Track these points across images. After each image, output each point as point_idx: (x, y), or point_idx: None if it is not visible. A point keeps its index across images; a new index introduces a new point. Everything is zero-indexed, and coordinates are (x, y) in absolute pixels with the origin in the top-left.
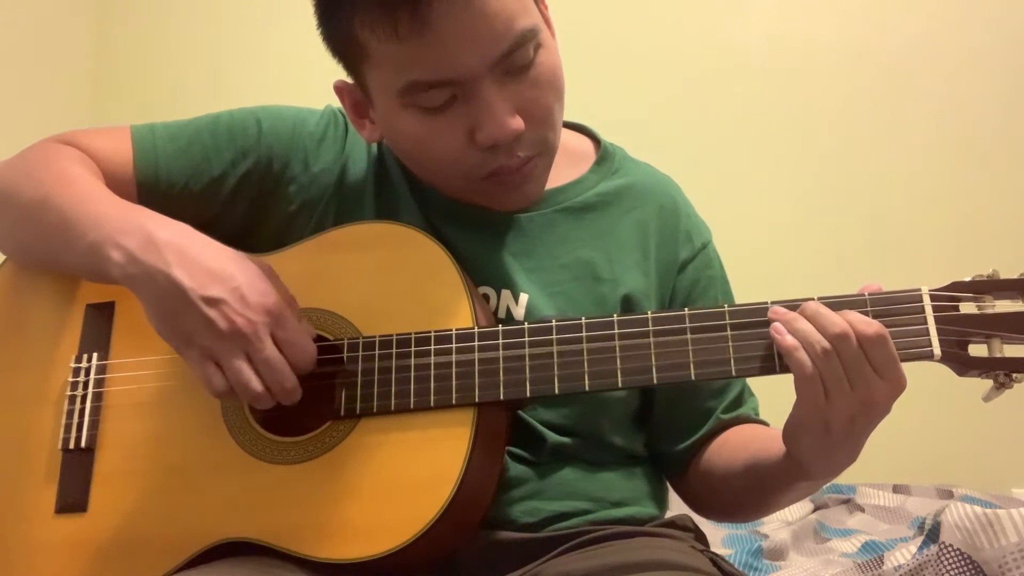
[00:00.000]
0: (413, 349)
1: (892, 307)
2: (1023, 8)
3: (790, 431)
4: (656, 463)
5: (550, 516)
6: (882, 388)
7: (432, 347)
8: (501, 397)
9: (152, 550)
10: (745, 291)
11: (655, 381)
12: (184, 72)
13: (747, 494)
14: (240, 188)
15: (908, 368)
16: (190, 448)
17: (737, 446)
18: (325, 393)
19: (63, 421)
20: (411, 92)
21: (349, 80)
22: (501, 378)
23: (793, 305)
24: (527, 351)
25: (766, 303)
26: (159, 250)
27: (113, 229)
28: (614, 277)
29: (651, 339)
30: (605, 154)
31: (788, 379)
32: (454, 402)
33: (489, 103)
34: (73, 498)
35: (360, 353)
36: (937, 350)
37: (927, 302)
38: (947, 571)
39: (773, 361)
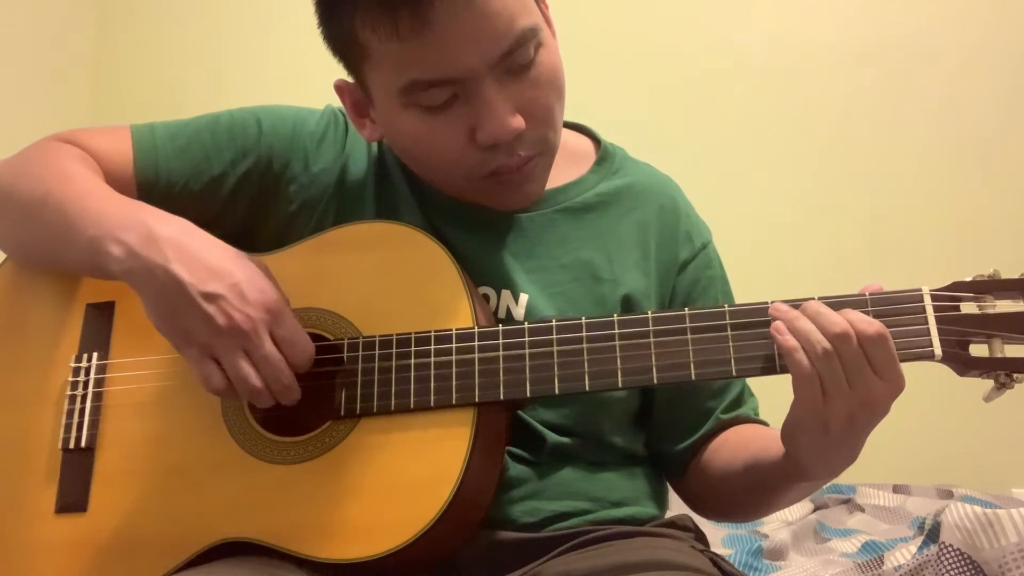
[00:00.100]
0: (413, 349)
1: (893, 307)
2: (1023, 8)
3: (788, 431)
4: (656, 463)
5: (550, 516)
6: (881, 388)
7: (432, 347)
8: (501, 397)
9: (152, 550)
10: (745, 291)
11: (655, 381)
12: (184, 72)
13: (747, 494)
14: (240, 188)
15: (908, 368)
16: (190, 448)
17: (737, 446)
18: (325, 393)
19: (63, 421)
20: (412, 91)
21: (349, 79)
22: (501, 378)
23: (794, 304)
24: (527, 351)
25: (766, 303)
26: (159, 245)
27: (113, 225)
28: (614, 277)
29: (651, 339)
30: (605, 154)
31: (788, 379)
32: (454, 402)
33: (490, 102)
34: (73, 498)
35: (360, 353)
36: (938, 350)
37: (928, 302)
38: (947, 571)
39: (773, 361)
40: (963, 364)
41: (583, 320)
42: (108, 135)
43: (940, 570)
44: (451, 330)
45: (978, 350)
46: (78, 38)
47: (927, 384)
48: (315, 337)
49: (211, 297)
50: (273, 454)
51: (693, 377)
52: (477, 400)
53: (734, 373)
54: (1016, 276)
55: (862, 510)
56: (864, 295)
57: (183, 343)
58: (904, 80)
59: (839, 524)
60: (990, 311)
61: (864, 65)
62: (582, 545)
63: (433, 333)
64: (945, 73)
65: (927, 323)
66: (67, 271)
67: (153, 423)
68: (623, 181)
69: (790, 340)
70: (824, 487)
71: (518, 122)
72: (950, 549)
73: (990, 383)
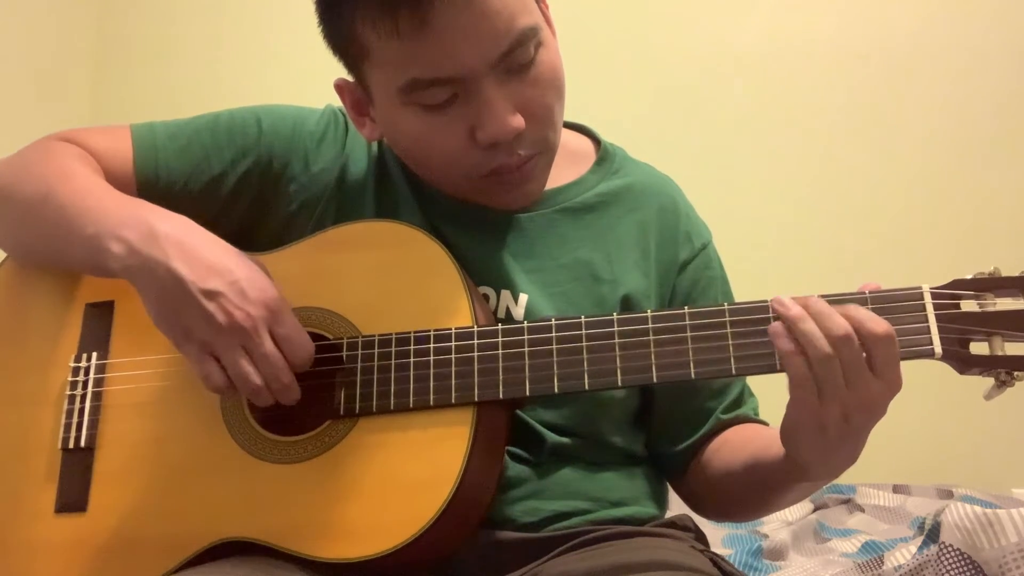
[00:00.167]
0: (412, 348)
1: (893, 305)
2: (1023, 7)
3: (786, 432)
4: (656, 463)
5: (550, 516)
6: (878, 389)
7: (431, 346)
8: (501, 396)
9: (152, 550)
10: (745, 291)
11: (655, 380)
12: (184, 72)
13: (747, 494)
14: (240, 187)
15: (908, 367)
16: (190, 447)
17: (737, 446)
18: (324, 392)
19: (63, 421)
20: (412, 90)
21: (349, 78)
22: (500, 377)
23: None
24: (527, 350)
25: (766, 302)
26: (159, 243)
27: (114, 222)
28: (614, 277)
29: (651, 338)
30: (605, 154)
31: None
32: (453, 401)
33: (490, 101)
34: (73, 498)
35: (359, 352)
36: (938, 348)
37: (928, 300)
38: (947, 571)
39: (773, 360)
40: (963, 362)
41: (583, 319)
42: (108, 134)
43: (940, 570)
44: (450, 329)
45: (978, 348)
46: (78, 38)
47: (927, 383)
48: (315, 336)
49: (211, 294)
50: (273, 453)
51: (693, 376)
52: (476, 399)
53: (734, 372)
54: (1016, 274)
55: (862, 510)
56: (864, 293)
57: (183, 340)
58: (904, 79)
59: (839, 524)
60: (990, 309)
61: (864, 64)
62: (582, 545)
63: (432, 332)
64: (945, 72)
65: (927, 321)
66: (67, 269)
67: (153, 423)
68: (623, 181)
69: (788, 344)
70: (824, 487)
71: (518, 121)
72: (950, 549)
73: (990, 381)
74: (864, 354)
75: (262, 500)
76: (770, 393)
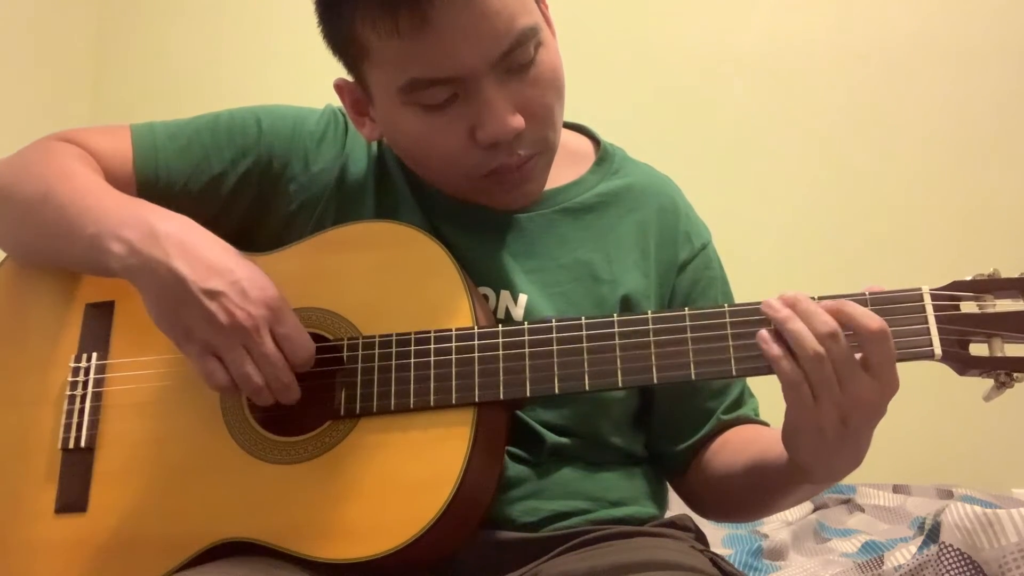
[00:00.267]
0: (413, 348)
1: (893, 306)
2: (1023, 7)
3: (787, 436)
4: (656, 463)
5: (549, 516)
6: (873, 389)
7: (432, 347)
8: (501, 397)
9: (152, 550)
10: (745, 291)
11: (655, 381)
12: (184, 72)
13: (748, 495)
14: (240, 187)
15: (908, 368)
16: (190, 448)
17: (738, 447)
18: (325, 393)
19: (63, 421)
20: (412, 90)
21: (349, 78)
22: (501, 378)
23: (788, 301)
24: (527, 351)
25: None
26: (160, 242)
27: (114, 222)
28: (613, 278)
29: (651, 339)
30: (605, 154)
31: None
32: (454, 402)
33: (490, 101)
34: (73, 498)
35: (360, 352)
36: (938, 349)
37: (928, 301)
38: (947, 571)
39: None
40: (963, 363)
41: (583, 320)
42: (108, 134)
43: (940, 570)
44: (451, 330)
45: (978, 349)
46: (78, 38)
47: (927, 384)
48: (315, 337)
49: (213, 294)
50: (273, 454)
51: (693, 377)
52: (477, 400)
53: (734, 373)
54: (1016, 275)
55: (862, 510)
56: (864, 294)
57: (184, 340)
58: (904, 79)
59: (839, 524)
60: (990, 310)
61: (864, 64)
62: (582, 545)
63: (433, 333)
64: (945, 73)
65: (927, 322)
66: (68, 269)
67: (153, 423)
68: (623, 181)
69: (774, 349)
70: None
71: (518, 121)
72: (950, 549)
73: (990, 382)
74: (859, 353)
75: (262, 500)
76: (770, 393)
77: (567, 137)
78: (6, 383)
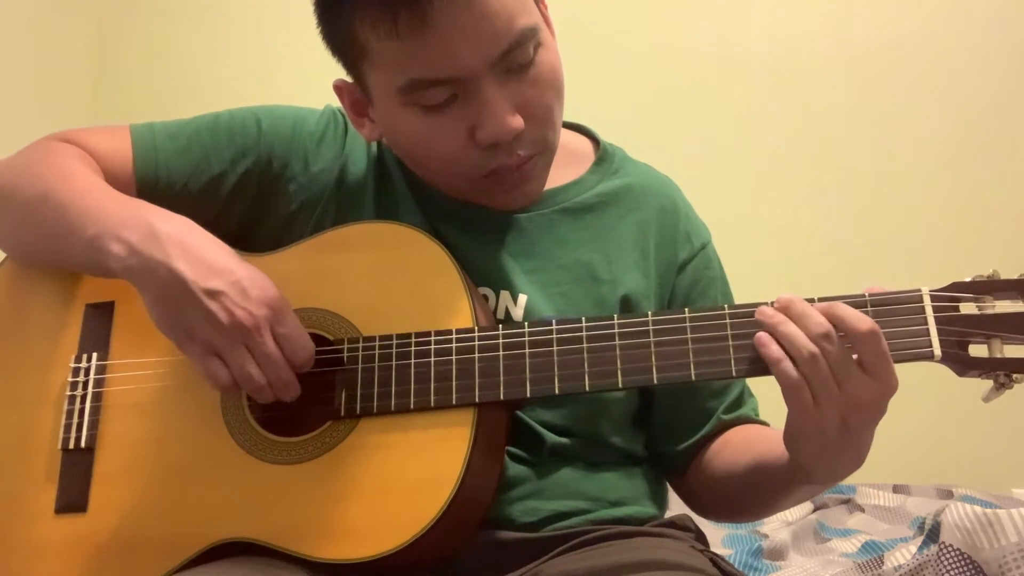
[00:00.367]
0: (413, 349)
1: (892, 307)
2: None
3: (789, 438)
4: (656, 463)
5: (549, 515)
6: (872, 388)
7: (432, 347)
8: (501, 397)
9: (152, 550)
10: (745, 291)
11: (655, 381)
12: (184, 72)
13: (749, 495)
14: (240, 187)
15: (908, 368)
16: (190, 448)
17: (739, 448)
18: (325, 393)
19: (63, 421)
20: (411, 90)
21: (348, 79)
22: (501, 378)
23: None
24: (527, 351)
25: (766, 303)
26: (160, 242)
27: (114, 223)
28: (613, 278)
29: (651, 339)
30: (604, 154)
31: None
32: (454, 402)
33: (489, 101)
34: (73, 498)
35: (360, 353)
36: (937, 350)
37: (927, 302)
38: (947, 571)
39: None
40: (962, 364)
41: (583, 320)
42: (108, 135)
43: (940, 570)
44: (451, 330)
45: (977, 350)
46: (78, 38)
47: (927, 384)
48: (315, 337)
49: (213, 294)
50: (273, 454)
51: (693, 377)
52: (477, 400)
53: (734, 374)
54: (1015, 276)
55: (862, 510)
56: (864, 296)
57: (185, 340)
58: (904, 79)
59: (839, 524)
60: (989, 311)
61: (864, 64)
62: (581, 545)
63: (433, 333)
64: (945, 73)
65: (926, 323)
66: (68, 269)
67: (153, 423)
68: (622, 181)
69: (774, 352)
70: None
71: (517, 122)
72: (950, 549)
73: (989, 383)
74: (854, 354)
75: (262, 501)
76: (770, 393)
77: (567, 137)
78: (6, 383)
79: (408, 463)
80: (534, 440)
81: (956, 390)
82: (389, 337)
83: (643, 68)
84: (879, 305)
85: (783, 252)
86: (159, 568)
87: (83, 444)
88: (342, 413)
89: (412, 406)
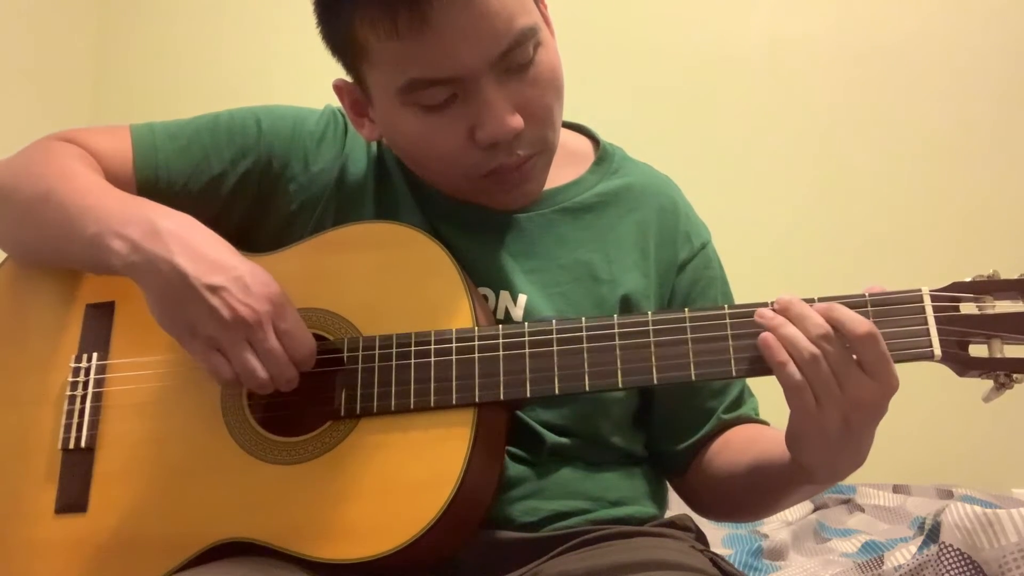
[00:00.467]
0: (413, 349)
1: (892, 307)
2: (1023, 7)
3: (791, 440)
4: (657, 463)
5: (549, 515)
6: (872, 389)
7: (432, 347)
8: (501, 397)
9: (152, 550)
10: (745, 291)
11: (655, 381)
12: (184, 72)
13: (749, 495)
14: (240, 187)
15: (908, 368)
16: (190, 448)
17: (740, 448)
18: (325, 393)
19: (63, 421)
20: (411, 90)
21: (348, 79)
22: (501, 378)
23: (779, 308)
24: (527, 351)
25: (766, 303)
26: (162, 239)
27: (116, 220)
28: (613, 278)
29: (651, 339)
30: (604, 154)
31: None
32: (454, 402)
33: (489, 101)
34: (73, 498)
35: (360, 353)
36: (937, 350)
37: (927, 302)
38: (947, 571)
39: None
40: (963, 364)
41: (583, 321)
42: (108, 135)
43: (940, 570)
44: (451, 330)
45: (977, 350)
46: (78, 38)
47: (927, 384)
48: (315, 337)
49: (215, 289)
50: (273, 454)
51: (693, 378)
52: (477, 400)
53: (734, 374)
54: (1015, 276)
55: (862, 510)
56: (864, 296)
57: (188, 336)
58: (904, 79)
59: (839, 524)
60: (989, 311)
61: (864, 64)
62: (581, 545)
63: (433, 333)
64: (945, 73)
65: (927, 323)
66: (69, 268)
67: (153, 423)
68: (622, 181)
69: (780, 354)
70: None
71: (517, 121)
72: (950, 549)
73: (990, 383)
74: (853, 355)
75: (263, 501)
76: (770, 393)
77: (566, 137)
78: (6, 383)
79: (408, 463)
80: (534, 440)
81: (956, 390)
82: (389, 337)
83: (643, 68)
84: (879, 305)
85: (783, 252)
86: (159, 568)
87: (83, 444)
88: (342, 413)
89: (412, 406)
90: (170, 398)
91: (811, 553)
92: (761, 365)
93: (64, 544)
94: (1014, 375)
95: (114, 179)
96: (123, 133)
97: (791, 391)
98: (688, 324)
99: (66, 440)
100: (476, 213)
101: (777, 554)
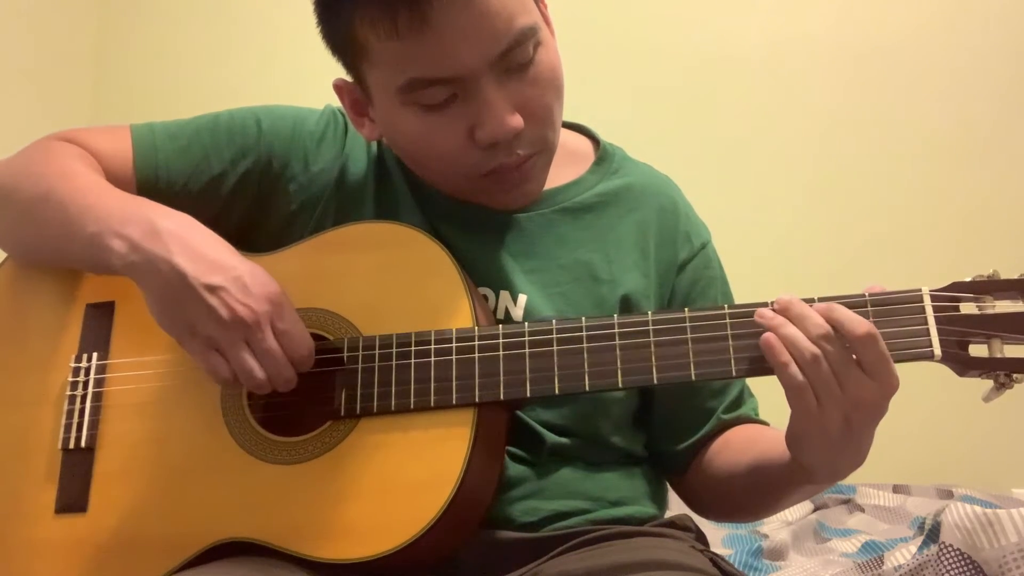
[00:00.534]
0: (413, 349)
1: (892, 307)
2: (1023, 7)
3: (791, 439)
4: (656, 463)
5: (549, 515)
6: (872, 389)
7: (432, 347)
8: (501, 397)
9: (152, 550)
10: (745, 291)
11: (655, 381)
12: (184, 72)
13: (750, 495)
14: (240, 187)
15: (908, 368)
16: (190, 448)
17: (740, 448)
18: (325, 393)
19: (63, 421)
20: (411, 90)
21: (348, 78)
22: (501, 378)
23: (779, 308)
24: (527, 351)
25: (766, 303)
26: (161, 239)
27: (116, 220)
28: (613, 278)
29: (651, 339)
30: (604, 154)
31: None
32: (454, 402)
33: (489, 101)
34: (73, 498)
35: (360, 352)
36: (937, 350)
37: (927, 302)
38: (947, 571)
39: None
40: (963, 364)
41: (583, 320)
42: (108, 134)
43: (940, 570)
44: (451, 330)
45: (977, 350)
46: (78, 38)
47: (927, 384)
48: (316, 337)
49: (214, 289)
50: (273, 454)
51: (693, 377)
52: (477, 400)
53: (734, 374)
54: (1015, 276)
55: (862, 510)
56: (864, 295)
57: (186, 336)
58: (904, 79)
59: (839, 524)
60: (989, 311)
61: (864, 64)
62: (581, 545)
63: (433, 333)
64: (945, 72)
65: (927, 323)
66: (69, 268)
67: (153, 423)
68: (622, 181)
69: (783, 355)
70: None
71: (517, 121)
72: (950, 549)
73: (990, 383)
74: (853, 355)
75: (263, 500)
76: (770, 393)
77: (566, 137)
78: (6, 383)
79: (408, 463)
80: (534, 440)
81: (956, 390)
82: (389, 337)
83: (643, 68)
84: (879, 305)
85: (783, 252)
86: (159, 568)
87: (83, 444)
88: (342, 413)
89: (412, 406)
90: (170, 398)
91: (811, 553)
92: (761, 365)
93: (64, 544)
94: (1014, 375)
95: (114, 179)
96: (123, 133)
97: (793, 392)
98: (688, 324)
99: (66, 440)
100: (476, 213)
101: (777, 554)
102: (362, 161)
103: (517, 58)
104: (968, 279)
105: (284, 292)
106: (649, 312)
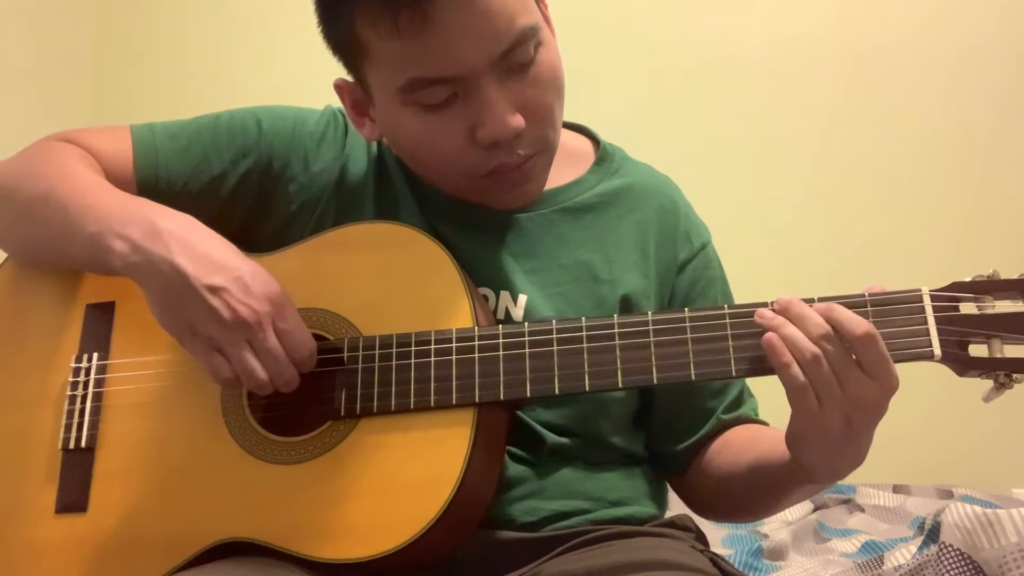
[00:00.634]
0: (413, 349)
1: (892, 307)
2: (1023, 7)
3: (792, 439)
4: (657, 463)
5: (549, 515)
6: (872, 389)
7: (432, 347)
8: (501, 397)
9: (152, 550)
10: (745, 292)
11: (655, 381)
12: (185, 72)
13: (750, 495)
14: (240, 187)
15: (908, 368)
16: (190, 448)
17: (740, 448)
18: (325, 393)
19: (63, 421)
20: (412, 89)
21: (349, 78)
22: (501, 378)
23: (779, 308)
24: (527, 351)
25: (766, 304)
26: (162, 239)
27: (116, 220)
28: (613, 278)
29: (651, 339)
30: (604, 154)
31: None
32: (454, 402)
33: (490, 101)
34: (73, 498)
35: (360, 353)
36: (937, 350)
37: (927, 302)
38: (947, 571)
39: None
40: (962, 364)
41: (583, 320)
42: (108, 135)
43: (940, 570)
44: (451, 330)
45: (977, 350)
46: (78, 38)
47: (927, 384)
48: (316, 337)
49: (215, 289)
50: (273, 454)
51: (693, 378)
52: (477, 400)
53: (734, 374)
54: (1015, 276)
55: (862, 510)
56: (863, 295)
57: (188, 336)
58: (904, 79)
59: (839, 524)
60: (989, 311)
61: (864, 64)
62: (581, 545)
63: (433, 333)
64: (945, 72)
65: (926, 323)
66: (69, 268)
67: (153, 423)
68: (622, 181)
69: (785, 355)
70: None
71: (518, 121)
72: (950, 549)
73: (989, 383)
74: (853, 355)
75: (263, 500)
76: (770, 393)
77: (567, 137)
78: (7, 383)
79: (408, 463)
80: (534, 440)
81: (956, 390)
82: (389, 337)
83: (643, 68)
84: (879, 305)
85: (783, 252)
86: (159, 568)
87: (83, 444)
88: (342, 413)
89: (412, 406)
90: (170, 398)
91: (811, 553)
92: (761, 365)
93: (64, 544)
94: (1014, 375)
95: (114, 179)
96: (123, 133)
97: (794, 392)
98: (688, 324)
99: (66, 440)
100: (476, 213)
101: (777, 554)
102: (362, 161)
103: (518, 58)
104: (968, 279)
105: (285, 292)
106: (649, 312)
